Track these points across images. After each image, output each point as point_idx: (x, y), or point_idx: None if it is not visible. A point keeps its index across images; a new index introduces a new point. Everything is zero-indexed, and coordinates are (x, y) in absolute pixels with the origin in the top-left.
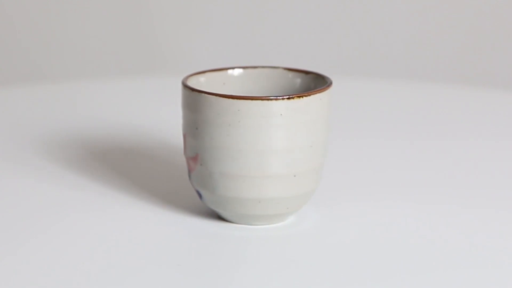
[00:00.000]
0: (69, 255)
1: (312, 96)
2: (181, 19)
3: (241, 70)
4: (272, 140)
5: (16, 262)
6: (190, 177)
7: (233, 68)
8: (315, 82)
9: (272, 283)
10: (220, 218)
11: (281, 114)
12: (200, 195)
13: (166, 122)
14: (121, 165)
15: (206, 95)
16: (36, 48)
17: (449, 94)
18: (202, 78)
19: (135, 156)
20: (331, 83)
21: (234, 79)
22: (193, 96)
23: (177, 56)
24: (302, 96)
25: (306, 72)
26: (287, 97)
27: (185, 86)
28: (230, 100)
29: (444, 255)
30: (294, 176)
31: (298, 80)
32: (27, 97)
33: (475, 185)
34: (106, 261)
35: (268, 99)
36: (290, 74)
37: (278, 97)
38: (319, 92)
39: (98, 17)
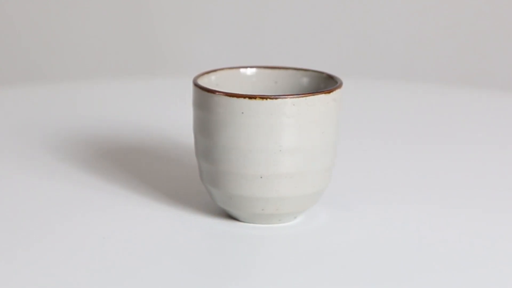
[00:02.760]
0: (78, 253)
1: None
2: (182, 19)
3: (254, 70)
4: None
5: (23, 260)
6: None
7: (245, 67)
8: (327, 83)
9: (281, 281)
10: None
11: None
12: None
13: (174, 122)
14: (131, 164)
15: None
16: (38, 49)
17: (451, 95)
18: (213, 77)
19: (144, 156)
20: (319, 91)
21: (247, 78)
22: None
23: (181, 56)
24: (272, 98)
25: (329, 76)
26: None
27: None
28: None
29: (450, 256)
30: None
31: (312, 80)
32: (32, 97)
33: (479, 186)
34: (116, 259)
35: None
36: (299, 74)
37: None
38: (293, 97)
39: (101, 18)
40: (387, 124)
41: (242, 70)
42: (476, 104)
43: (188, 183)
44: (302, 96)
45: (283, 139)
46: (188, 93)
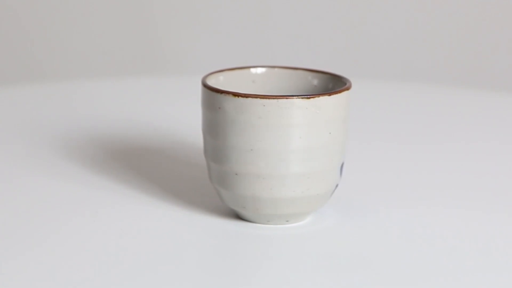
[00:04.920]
0: (84, 253)
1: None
2: (186, 20)
3: (263, 70)
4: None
5: (31, 258)
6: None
7: (255, 67)
8: (335, 84)
9: (290, 281)
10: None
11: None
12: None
13: (183, 122)
14: (140, 164)
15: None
16: (44, 48)
17: (451, 95)
18: (221, 77)
19: (153, 156)
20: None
21: (255, 78)
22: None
23: (187, 55)
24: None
25: (334, 76)
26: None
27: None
28: (213, 93)
29: (459, 258)
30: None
31: (317, 81)
32: (35, 97)
33: (485, 187)
34: (124, 259)
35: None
36: (310, 75)
37: (293, 96)
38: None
39: (105, 19)
40: (389, 125)
41: (252, 69)
42: (476, 104)
43: (197, 183)
44: (273, 98)
45: (253, 138)
46: (193, 92)
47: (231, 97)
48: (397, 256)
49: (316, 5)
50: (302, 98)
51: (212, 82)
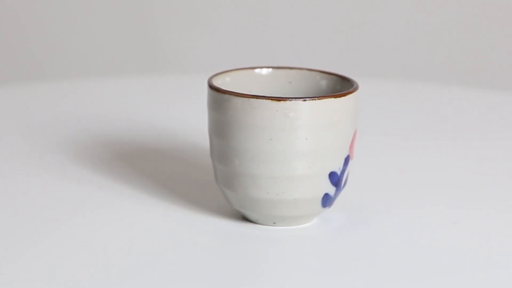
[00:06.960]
0: (85, 253)
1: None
2: (186, 20)
3: (269, 70)
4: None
5: (31, 258)
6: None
7: (260, 67)
8: (342, 85)
9: (295, 283)
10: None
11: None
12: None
13: (183, 121)
14: (140, 164)
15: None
16: (42, 48)
17: (451, 95)
18: (227, 78)
19: (153, 156)
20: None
21: (260, 79)
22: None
23: (188, 56)
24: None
25: (342, 77)
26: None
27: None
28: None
29: (467, 260)
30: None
31: (325, 82)
32: (38, 96)
33: (485, 187)
34: (126, 259)
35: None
36: (318, 76)
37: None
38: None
39: (105, 19)
40: (390, 125)
41: (256, 70)
42: (477, 104)
43: (198, 183)
44: (245, 97)
45: (228, 135)
46: (193, 92)
47: (214, 93)
48: (399, 258)
49: (316, 5)
50: (272, 100)
51: (218, 83)
